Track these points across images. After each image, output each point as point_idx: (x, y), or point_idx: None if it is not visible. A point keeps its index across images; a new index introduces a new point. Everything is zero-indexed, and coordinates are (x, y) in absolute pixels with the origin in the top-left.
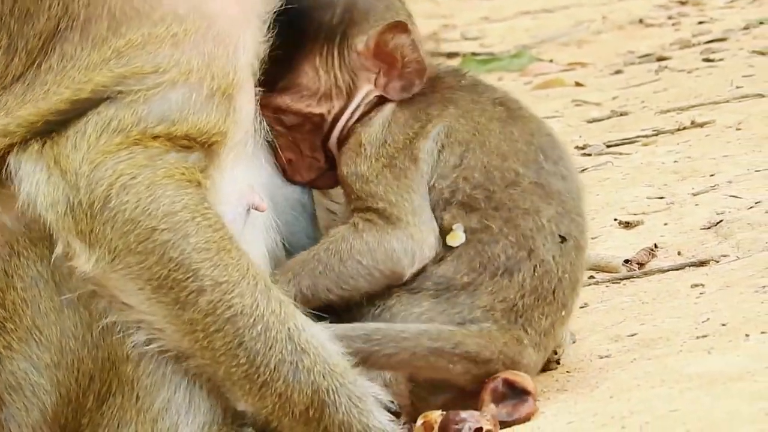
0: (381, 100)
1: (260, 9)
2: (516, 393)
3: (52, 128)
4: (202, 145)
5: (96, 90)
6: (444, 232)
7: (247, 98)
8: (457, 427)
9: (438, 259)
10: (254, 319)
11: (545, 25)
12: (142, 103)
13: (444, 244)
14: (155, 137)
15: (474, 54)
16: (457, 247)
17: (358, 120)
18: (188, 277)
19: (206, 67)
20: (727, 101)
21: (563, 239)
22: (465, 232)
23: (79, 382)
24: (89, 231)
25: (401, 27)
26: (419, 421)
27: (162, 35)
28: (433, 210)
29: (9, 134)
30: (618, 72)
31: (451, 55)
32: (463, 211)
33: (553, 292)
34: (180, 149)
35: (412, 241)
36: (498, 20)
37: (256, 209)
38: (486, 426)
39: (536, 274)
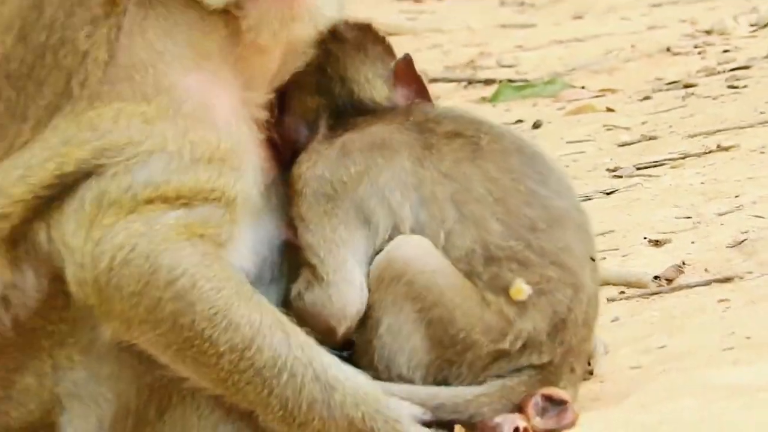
0: (311, 132)
1: (242, 92)
2: (555, 404)
3: (45, 203)
4: (203, 201)
5: (78, 164)
6: (505, 285)
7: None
8: (495, 429)
9: (517, 314)
10: (278, 369)
11: (577, 53)
12: (124, 173)
13: (510, 299)
14: (149, 201)
15: (509, 81)
16: (527, 300)
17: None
18: (204, 343)
19: (182, 138)
20: (752, 126)
21: (593, 259)
22: (529, 284)
23: (139, 394)
24: (99, 305)
25: None
26: (457, 429)
27: (132, 111)
28: (475, 265)
29: (6, 217)
30: (647, 98)
31: (487, 82)
32: (518, 265)
33: (594, 318)
34: (179, 207)
35: (329, 301)
36: (532, 48)
37: (292, 242)
38: (522, 424)
39: (586, 306)
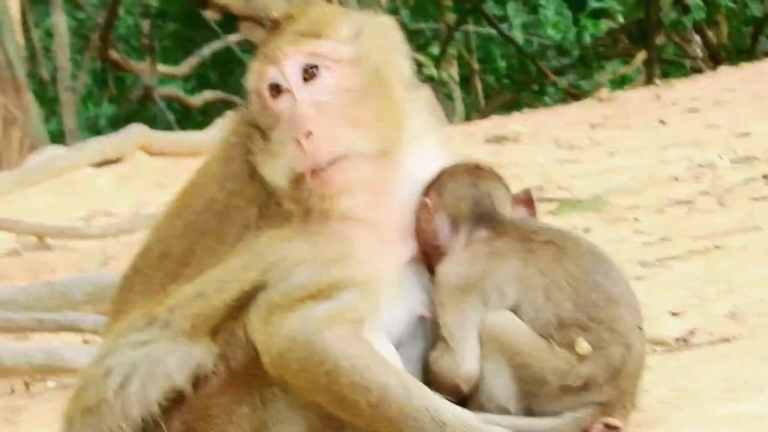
0: (453, 231)
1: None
2: (611, 429)
3: (236, 310)
4: (340, 290)
5: (251, 283)
6: (571, 343)
7: (389, 249)
8: None
9: (577, 361)
10: (403, 416)
11: (612, 181)
12: (280, 282)
13: (574, 352)
14: (301, 300)
15: (567, 200)
16: (587, 354)
17: (438, 244)
18: (349, 402)
19: (313, 249)
20: (737, 231)
21: (640, 328)
22: (589, 342)
23: (321, 418)
24: (279, 378)
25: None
26: None
27: (278, 236)
28: (551, 330)
29: (211, 318)
30: (661, 211)
31: (551, 201)
32: (581, 330)
33: (641, 370)
34: (324, 300)
35: (457, 367)
36: (581, 177)
37: (424, 319)
38: None
39: (636, 361)
